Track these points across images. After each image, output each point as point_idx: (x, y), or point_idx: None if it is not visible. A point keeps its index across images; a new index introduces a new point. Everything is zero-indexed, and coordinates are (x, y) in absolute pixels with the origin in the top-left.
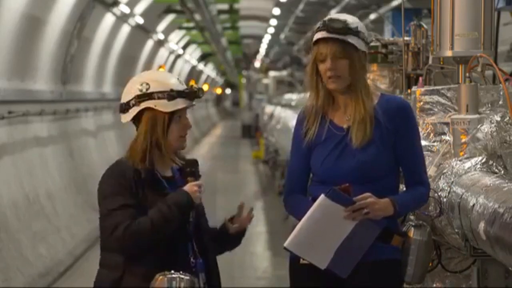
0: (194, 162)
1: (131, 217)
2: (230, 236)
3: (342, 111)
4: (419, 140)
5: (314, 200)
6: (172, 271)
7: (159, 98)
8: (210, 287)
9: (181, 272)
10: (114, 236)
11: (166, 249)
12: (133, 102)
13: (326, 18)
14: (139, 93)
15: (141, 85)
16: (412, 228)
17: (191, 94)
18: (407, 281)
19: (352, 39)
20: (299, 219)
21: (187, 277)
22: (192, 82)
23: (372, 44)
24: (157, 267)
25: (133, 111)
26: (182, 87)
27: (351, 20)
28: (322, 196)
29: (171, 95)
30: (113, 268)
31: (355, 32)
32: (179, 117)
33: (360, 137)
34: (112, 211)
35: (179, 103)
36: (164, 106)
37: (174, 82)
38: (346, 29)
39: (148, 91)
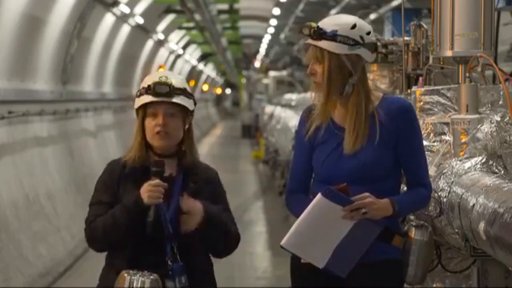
0: (160, 163)
1: (99, 214)
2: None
3: (344, 112)
4: (421, 141)
5: None
6: (136, 270)
7: (137, 95)
8: None
9: (147, 272)
10: (85, 230)
11: (139, 248)
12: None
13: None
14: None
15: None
16: (413, 228)
17: (150, 90)
18: (408, 281)
19: (324, 44)
20: None
21: (152, 277)
22: (191, 83)
23: None
24: (129, 266)
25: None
26: (150, 83)
27: (337, 22)
28: (319, 195)
29: (140, 91)
30: (106, 260)
31: (331, 36)
32: (153, 114)
33: (353, 139)
34: (90, 205)
35: (143, 99)
36: (135, 102)
37: (153, 79)
38: (318, 34)
39: (138, 89)
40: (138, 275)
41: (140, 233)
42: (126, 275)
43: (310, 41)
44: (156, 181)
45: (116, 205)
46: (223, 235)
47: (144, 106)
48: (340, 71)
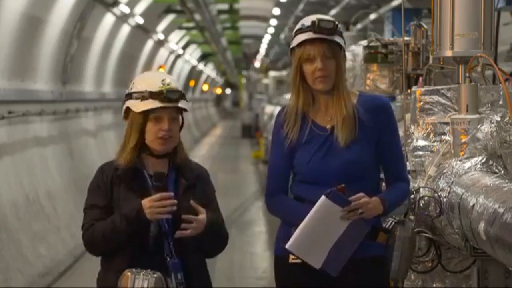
0: (161, 176)
1: (96, 218)
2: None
3: (323, 112)
4: (399, 137)
5: (297, 199)
6: (139, 269)
7: (136, 98)
8: (189, 287)
9: (150, 270)
10: (82, 235)
11: (138, 248)
12: (124, 100)
13: (313, 19)
14: (127, 91)
15: (131, 84)
16: (396, 225)
17: (159, 96)
18: (392, 276)
19: (338, 39)
20: (284, 220)
21: (155, 276)
22: (191, 83)
23: (372, 44)
24: (130, 265)
25: (123, 109)
26: (159, 88)
27: (330, 18)
28: (322, 197)
29: (144, 95)
30: (101, 263)
31: (340, 32)
32: (156, 118)
33: (345, 135)
34: (84, 210)
35: (150, 104)
36: (136, 106)
37: (156, 82)
38: (334, 29)
39: (131, 91)
40: (142, 274)
41: (140, 237)
42: (129, 274)
43: (325, 36)
44: (158, 195)
45: (116, 213)
46: (216, 241)
47: (146, 111)
48: (344, 66)
